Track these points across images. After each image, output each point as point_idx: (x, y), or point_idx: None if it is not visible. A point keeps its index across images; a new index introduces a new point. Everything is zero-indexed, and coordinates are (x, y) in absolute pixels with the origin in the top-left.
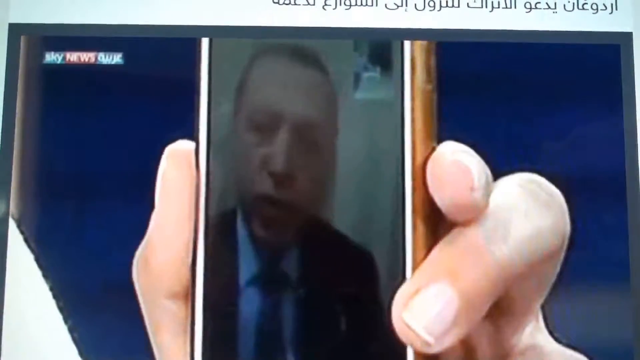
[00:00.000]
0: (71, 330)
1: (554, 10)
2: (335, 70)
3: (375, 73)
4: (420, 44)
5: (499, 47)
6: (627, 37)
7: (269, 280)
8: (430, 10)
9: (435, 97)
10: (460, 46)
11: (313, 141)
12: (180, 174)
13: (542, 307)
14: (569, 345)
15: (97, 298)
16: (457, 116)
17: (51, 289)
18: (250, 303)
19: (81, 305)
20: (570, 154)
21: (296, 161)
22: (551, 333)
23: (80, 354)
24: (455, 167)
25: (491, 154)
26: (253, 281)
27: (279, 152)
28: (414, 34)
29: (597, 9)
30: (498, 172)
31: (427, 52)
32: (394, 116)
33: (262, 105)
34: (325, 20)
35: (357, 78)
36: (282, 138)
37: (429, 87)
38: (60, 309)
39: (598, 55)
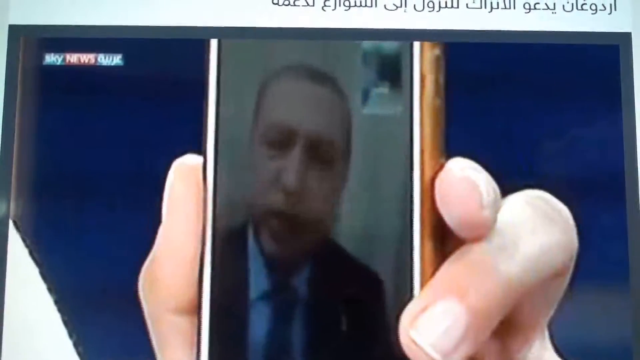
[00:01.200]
0: (76, 345)
1: (553, 11)
2: (346, 86)
3: (384, 88)
4: (429, 59)
5: (498, 48)
6: (626, 37)
7: (278, 294)
8: (430, 11)
9: (444, 112)
10: (460, 47)
11: (326, 157)
12: (187, 188)
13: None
14: None
15: (99, 303)
16: (455, 116)
17: (56, 302)
18: (259, 318)
19: (82, 310)
20: (569, 153)
21: (309, 177)
22: (557, 350)
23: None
24: (464, 184)
25: (489, 154)
26: (262, 296)
27: (293, 168)
28: (413, 35)
29: (596, 9)
30: (496, 172)
31: (437, 67)
32: (403, 132)
33: (277, 121)
34: (324, 21)
35: (366, 93)
36: (296, 154)
37: (438, 102)
38: (65, 322)
39: (597, 56)
